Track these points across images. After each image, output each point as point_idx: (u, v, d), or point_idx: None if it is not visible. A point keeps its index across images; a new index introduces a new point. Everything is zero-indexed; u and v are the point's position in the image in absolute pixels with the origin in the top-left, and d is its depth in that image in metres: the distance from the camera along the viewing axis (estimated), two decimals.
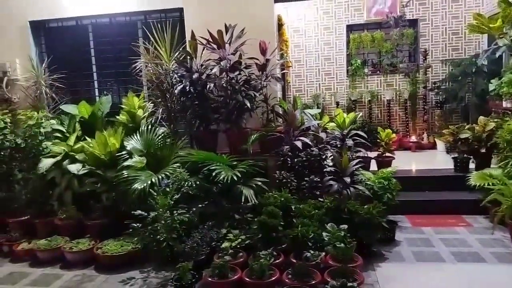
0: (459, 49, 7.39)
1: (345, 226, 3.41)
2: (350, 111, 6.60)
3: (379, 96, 7.55)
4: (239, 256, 3.27)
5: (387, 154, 5.28)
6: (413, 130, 7.48)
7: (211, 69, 4.61)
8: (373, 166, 5.20)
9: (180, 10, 5.39)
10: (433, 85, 7.27)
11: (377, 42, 7.48)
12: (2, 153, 4.77)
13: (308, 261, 3.05)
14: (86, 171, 4.53)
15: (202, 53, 4.82)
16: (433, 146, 7.19)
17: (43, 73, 5.46)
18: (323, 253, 3.13)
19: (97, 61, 5.86)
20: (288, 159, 4.36)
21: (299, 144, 4.37)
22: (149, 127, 4.84)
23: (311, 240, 3.28)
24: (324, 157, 4.30)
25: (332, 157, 4.23)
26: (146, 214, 3.65)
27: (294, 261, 3.12)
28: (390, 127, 7.05)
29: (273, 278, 2.83)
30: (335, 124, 5.06)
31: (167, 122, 5.08)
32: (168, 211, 3.60)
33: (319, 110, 5.25)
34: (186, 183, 3.85)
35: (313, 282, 2.78)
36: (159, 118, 4.97)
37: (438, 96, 7.26)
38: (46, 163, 4.53)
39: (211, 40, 4.59)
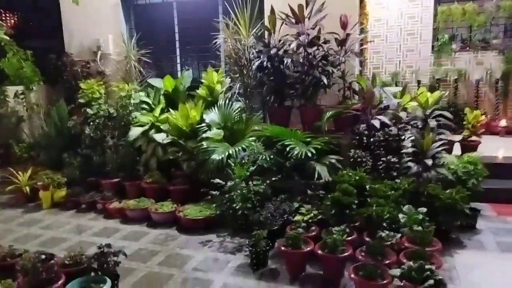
0: None
1: (424, 209, 3.30)
2: (433, 90, 6.19)
3: (467, 75, 6.95)
4: (311, 230, 3.33)
5: (473, 137, 4.90)
6: (503, 113, 6.82)
7: (289, 44, 4.61)
8: (456, 150, 4.87)
9: None
10: None
11: (469, 15, 6.82)
12: (98, 121, 5.30)
13: (383, 241, 3.02)
14: (169, 140, 4.87)
15: (280, 29, 4.83)
16: None
17: (132, 48, 5.87)
18: (399, 235, 3.07)
19: (180, 37, 6.14)
20: (364, 138, 4.27)
21: (376, 123, 4.24)
22: (227, 101, 5.03)
23: (386, 220, 3.23)
24: (403, 137, 4.12)
25: (412, 137, 4.05)
26: (223, 183, 3.86)
27: (368, 239, 3.11)
28: (477, 108, 6.49)
29: (346, 254, 2.85)
30: (417, 104, 4.80)
31: (242, 97, 5.23)
32: (244, 182, 3.77)
33: (400, 88, 4.99)
34: (261, 156, 3.96)
35: (387, 261, 2.76)
36: (236, 93, 5.13)
37: None
38: (135, 131, 4.94)
39: (290, 14, 4.58)
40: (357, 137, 4.30)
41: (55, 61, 6.10)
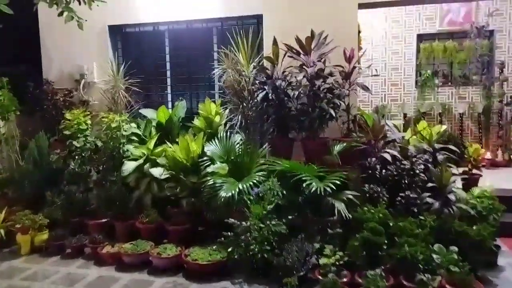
0: None
1: (456, 249, 3.17)
2: (407, 123, 6.33)
3: (451, 109, 7.19)
4: (343, 275, 3.09)
5: (474, 171, 4.95)
6: (485, 146, 7.06)
7: (296, 76, 4.51)
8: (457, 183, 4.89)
9: (258, 17, 5.34)
10: (510, 99, 6.85)
11: (449, 52, 7.15)
12: (84, 154, 4.85)
13: (423, 285, 2.83)
14: (167, 175, 4.52)
15: (282, 60, 4.75)
16: (507, 164, 6.75)
17: (121, 77, 5.52)
18: (439, 277, 2.90)
19: (172, 66, 5.90)
20: (377, 172, 4.16)
21: (387, 156, 4.16)
22: (228, 133, 4.79)
23: (420, 261, 3.06)
24: (417, 172, 4.05)
25: (429, 172, 3.98)
26: (237, 222, 3.56)
27: (406, 283, 2.91)
28: (462, 141, 6.68)
29: None
30: (417, 138, 4.81)
31: (242, 129, 5.01)
32: (261, 221, 3.49)
33: (400, 121, 5.01)
34: (276, 192, 3.71)
35: None
36: (237, 124, 4.91)
37: None
38: (129, 166, 4.54)
39: (294, 46, 4.50)
40: (369, 171, 4.18)
41: (33, 89, 5.62)
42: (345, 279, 3.02)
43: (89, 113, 5.19)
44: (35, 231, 4.28)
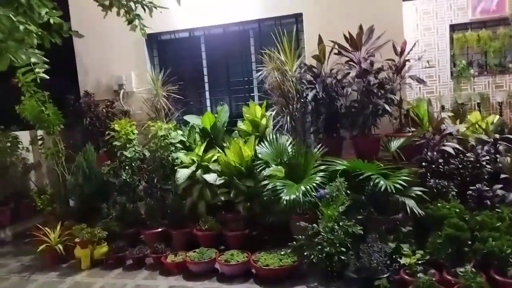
0: None
1: None
2: (456, 114, 6.18)
3: (488, 98, 7.04)
4: (430, 273, 2.98)
5: None
6: None
7: (347, 73, 4.43)
8: None
9: (297, 16, 5.28)
10: None
11: (483, 41, 7.00)
12: (134, 164, 4.81)
13: None
14: (222, 181, 4.46)
15: (328, 58, 4.67)
16: None
17: (160, 85, 5.48)
18: None
19: (209, 71, 5.85)
20: (440, 166, 4.05)
21: (450, 149, 4.06)
22: (277, 135, 4.72)
23: (509, 255, 2.95)
24: (483, 163, 3.93)
25: (495, 163, 3.87)
26: (310, 225, 3.48)
27: (499, 278, 2.80)
28: None
29: None
30: (471, 129, 4.69)
31: (288, 130, 4.93)
32: (335, 223, 3.40)
33: (449, 114, 4.90)
34: (345, 193, 3.63)
35: None
36: (284, 126, 4.83)
37: None
38: (183, 173, 4.49)
39: (340, 43, 4.43)
40: (433, 166, 4.07)
41: (73, 101, 5.61)
42: (434, 278, 2.91)
43: (135, 123, 5.16)
44: (94, 245, 4.24)
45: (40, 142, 5.21)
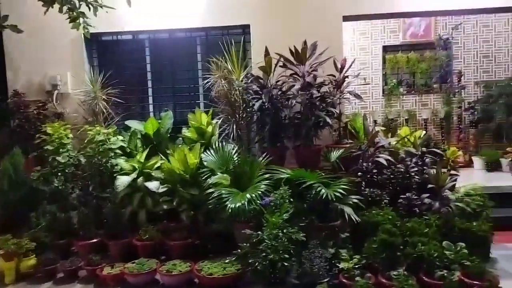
0: (490, 71, 7.68)
1: (463, 244, 3.38)
2: (388, 128, 6.69)
3: (416, 115, 7.70)
4: (367, 277, 3.15)
5: (452, 172, 5.32)
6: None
7: (292, 85, 4.59)
8: None
9: (244, 27, 5.37)
10: (468, 105, 7.49)
11: (412, 62, 7.68)
12: (67, 170, 4.51)
13: (444, 280, 2.98)
14: (165, 189, 4.34)
15: (274, 70, 4.80)
16: (468, 164, 7.35)
17: (99, 87, 5.23)
18: (458, 272, 3.07)
19: (153, 76, 5.71)
20: (374, 176, 4.33)
21: (382, 161, 4.36)
22: (222, 143, 4.72)
23: (435, 259, 3.22)
24: (412, 174, 4.27)
25: (422, 174, 4.23)
26: (254, 233, 3.51)
27: (427, 280, 3.05)
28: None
29: None
30: (401, 142, 5.08)
31: (234, 138, 4.96)
32: (279, 230, 3.47)
33: (381, 128, 5.29)
34: (289, 201, 3.72)
35: None
36: (231, 134, 4.86)
37: (472, 116, 7.47)
38: (123, 180, 4.30)
39: (286, 56, 4.59)
40: (368, 175, 4.33)
41: (0, 101, 5.15)
42: (370, 281, 3.08)
43: (69, 126, 4.85)
44: (20, 257, 3.88)
45: None
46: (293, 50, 4.54)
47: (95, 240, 4.25)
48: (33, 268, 3.91)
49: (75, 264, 3.90)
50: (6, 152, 4.76)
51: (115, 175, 4.39)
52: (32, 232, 4.16)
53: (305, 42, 4.60)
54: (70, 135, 4.70)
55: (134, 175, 4.41)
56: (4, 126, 5.13)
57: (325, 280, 3.11)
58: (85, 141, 4.65)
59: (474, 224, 3.61)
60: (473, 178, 6.54)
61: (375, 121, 7.66)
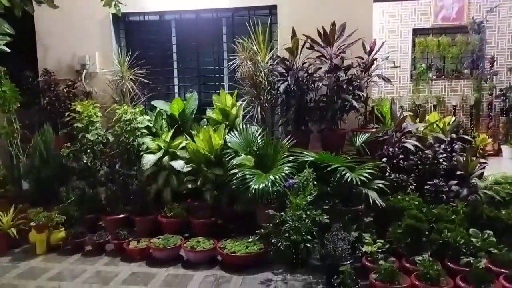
0: None
1: (491, 232, 3.31)
2: (415, 114, 6.54)
3: (444, 101, 7.48)
4: (390, 261, 3.13)
5: (481, 160, 5.17)
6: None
7: (319, 68, 4.52)
8: None
9: (271, 7, 5.29)
10: (500, 92, 7.21)
11: (443, 47, 7.42)
12: (96, 147, 4.63)
13: (471, 267, 2.93)
14: (189, 168, 4.40)
15: (301, 51, 4.73)
16: (497, 153, 7.13)
17: (126, 67, 5.29)
18: (485, 260, 3.01)
19: (179, 57, 5.73)
20: (400, 161, 4.26)
21: (410, 146, 4.28)
22: (246, 125, 4.72)
23: (462, 245, 3.17)
24: (440, 160, 4.18)
25: (450, 160, 4.13)
26: (277, 214, 3.53)
27: (453, 266, 3.01)
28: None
29: (451, 285, 2.71)
30: (429, 128, 4.96)
31: (258, 121, 4.95)
32: (302, 212, 3.48)
33: (411, 114, 5.18)
34: (313, 183, 3.71)
35: (493, 286, 2.67)
36: (255, 116, 4.85)
37: (503, 104, 7.20)
38: (149, 159, 4.38)
39: (314, 37, 4.50)
40: (394, 161, 4.26)
41: (31, 79, 5.29)
42: (394, 265, 3.06)
43: (99, 105, 4.95)
44: (50, 229, 4.04)
45: None
46: (321, 32, 4.45)
47: (122, 216, 4.38)
48: (63, 241, 4.08)
49: (102, 238, 4.04)
50: (37, 129, 4.92)
51: (141, 153, 4.48)
52: (61, 206, 4.31)
53: (333, 23, 4.49)
54: (99, 114, 4.80)
55: (160, 154, 4.49)
56: (34, 104, 5.27)
57: (348, 262, 3.10)
58: (113, 120, 4.75)
59: (503, 212, 3.50)
60: (502, 167, 6.34)
61: (401, 107, 7.48)
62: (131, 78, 5.26)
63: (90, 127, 4.62)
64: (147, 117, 4.86)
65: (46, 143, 4.69)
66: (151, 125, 4.97)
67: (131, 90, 5.23)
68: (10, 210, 4.19)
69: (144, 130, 4.81)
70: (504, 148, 6.92)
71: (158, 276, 3.42)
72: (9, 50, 3.07)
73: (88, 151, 4.59)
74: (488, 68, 7.28)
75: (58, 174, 4.69)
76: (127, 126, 4.57)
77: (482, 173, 4.79)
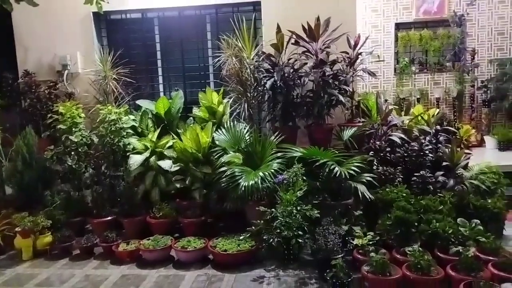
0: (504, 49, 7.49)
1: (478, 221, 3.37)
2: (400, 108, 6.61)
3: (428, 94, 7.58)
4: (381, 253, 3.15)
5: (466, 150, 5.26)
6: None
7: (305, 63, 4.52)
8: None
9: (255, 4, 5.26)
10: (481, 84, 7.34)
11: (425, 40, 7.50)
12: (80, 149, 4.53)
13: (460, 256, 2.97)
14: (177, 168, 4.35)
15: (286, 47, 4.72)
16: (480, 144, 7.25)
17: (109, 67, 5.19)
18: (473, 248, 3.06)
19: (163, 55, 5.65)
20: (387, 154, 4.30)
21: (396, 139, 4.33)
22: (234, 122, 4.70)
23: (450, 235, 3.21)
24: (426, 152, 4.23)
25: (436, 152, 4.18)
26: (268, 210, 3.53)
27: (442, 256, 3.05)
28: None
29: (441, 274, 2.75)
30: (414, 121, 5.01)
31: (245, 118, 4.92)
32: (292, 207, 3.47)
33: (396, 107, 5.22)
34: (302, 179, 3.71)
35: (482, 274, 2.71)
36: (242, 113, 4.82)
37: (485, 95, 7.33)
38: (136, 159, 4.32)
39: (298, 33, 4.50)
40: (381, 154, 4.30)
41: (12, 81, 5.14)
42: (385, 257, 3.09)
43: (81, 105, 4.84)
44: (36, 234, 3.95)
45: None
46: (306, 27, 4.45)
47: (109, 218, 4.31)
48: (50, 245, 3.99)
49: (90, 241, 3.96)
50: (18, 132, 4.79)
51: (127, 154, 4.41)
52: (47, 210, 4.22)
53: (318, 18, 4.50)
54: (82, 115, 4.70)
55: (146, 154, 4.43)
56: (15, 106, 5.14)
57: (340, 255, 3.12)
58: (97, 121, 4.66)
59: (489, 201, 3.57)
60: (486, 157, 6.45)
61: (386, 100, 7.51)
62: (114, 78, 5.18)
63: (73, 129, 4.53)
64: (132, 117, 4.79)
65: (29, 146, 4.57)
66: (136, 125, 4.90)
67: (115, 90, 5.15)
68: None
69: (129, 130, 4.73)
70: (487, 138, 7.04)
71: (149, 277, 3.37)
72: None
73: (72, 153, 4.49)
74: (469, 61, 7.38)
75: (42, 178, 4.58)
76: (112, 126, 4.49)
77: (467, 163, 4.86)
